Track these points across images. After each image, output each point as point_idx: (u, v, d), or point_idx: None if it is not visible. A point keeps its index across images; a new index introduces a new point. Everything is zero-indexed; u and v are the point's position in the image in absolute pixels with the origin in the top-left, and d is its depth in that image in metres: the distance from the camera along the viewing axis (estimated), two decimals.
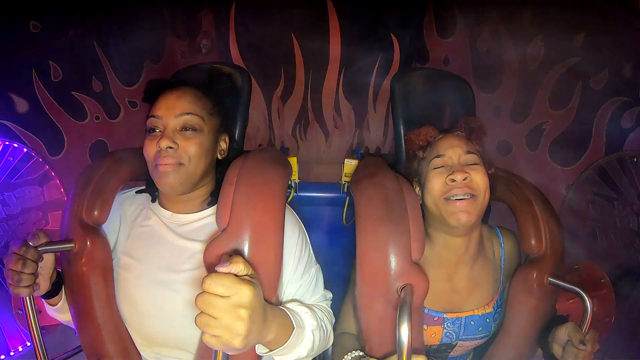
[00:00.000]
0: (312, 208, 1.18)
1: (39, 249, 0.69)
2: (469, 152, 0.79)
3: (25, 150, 1.57)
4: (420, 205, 0.81)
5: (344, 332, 0.84)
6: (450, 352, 0.86)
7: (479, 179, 0.76)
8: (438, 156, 0.79)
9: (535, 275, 0.78)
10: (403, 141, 0.97)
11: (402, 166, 0.95)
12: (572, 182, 1.71)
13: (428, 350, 0.84)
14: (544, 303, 0.79)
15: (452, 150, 0.79)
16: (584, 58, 1.62)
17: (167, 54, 1.76)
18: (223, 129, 0.83)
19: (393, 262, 0.71)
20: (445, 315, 0.82)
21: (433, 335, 0.82)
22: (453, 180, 0.75)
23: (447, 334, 0.83)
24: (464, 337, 0.83)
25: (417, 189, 0.84)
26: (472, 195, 0.75)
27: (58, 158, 1.68)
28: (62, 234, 0.78)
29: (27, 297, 0.71)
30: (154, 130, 0.76)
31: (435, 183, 0.77)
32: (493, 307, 0.84)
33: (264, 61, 1.79)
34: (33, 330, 0.73)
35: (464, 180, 0.75)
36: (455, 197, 0.75)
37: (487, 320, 0.84)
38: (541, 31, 1.66)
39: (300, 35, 1.75)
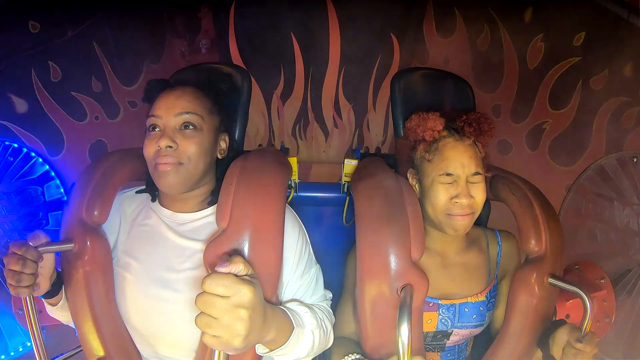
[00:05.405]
0: (312, 208, 1.18)
1: (39, 249, 0.69)
2: (477, 174, 0.79)
3: (25, 150, 1.57)
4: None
5: (340, 337, 0.84)
6: (446, 340, 0.86)
7: (480, 199, 0.79)
8: (447, 174, 0.78)
9: (535, 276, 0.78)
10: None
11: (402, 166, 0.95)
12: (572, 182, 1.71)
13: (425, 338, 0.85)
14: (543, 303, 0.79)
15: (462, 170, 0.78)
16: (584, 58, 1.62)
17: (166, 54, 1.76)
18: (223, 128, 0.83)
19: (393, 262, 0.71)
20: (440, 302, 0.84)
21: (429, 321, 0.83)
22: (457, 202, 0.77)
23: (443, 320, 0.84)
24: (459, 324, 0.84)
25: (415, 183, 0.85)
26: (472, 212, 0.79)
27: (58, 158, 1.68)
28: (62, 234, 0.78)
29: (27, 297, 0.71)
30: (153, 129, 0.76)
31: (441, 199, 0.79)
32: (486, 296, 0.86)
33: (264, 61, 1.79)
34: (33, 330, 0.73)
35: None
36: (457, 214, 0.78)
37: (481, 308, 0.85)
38: (541, 31, 1.66)
39: (300, 34, 1.75)
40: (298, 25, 1.74)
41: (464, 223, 0.78)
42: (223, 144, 0.83)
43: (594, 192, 1.65)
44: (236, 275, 0.51)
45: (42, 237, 0.71)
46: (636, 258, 1.47)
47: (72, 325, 0.81)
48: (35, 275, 0.69)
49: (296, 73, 1.80)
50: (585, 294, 0.72)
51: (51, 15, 1.56)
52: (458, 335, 0.86)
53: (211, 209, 0.81)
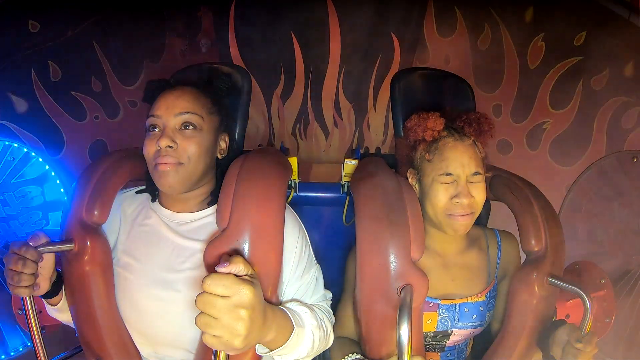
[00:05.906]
0: (312, 208, 1.18)
1: (39, 249, 0.69)
2: (476, 174, 0.79)
3: (25, 150, 1.57)
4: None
5: (340, 337, 0.84)
6: (446, 340, 0.86)
7: (480, 199, 0.79)
8: (447, 174, 0.78)
9: (535, 276, 0.78)
10: None
11: (402, 166, 0.95)
12: (572, 182, 1.71)
13: (425, 338, 0.85)
14: (543, 303, 0.79)
15: (462, 169, 0.78)
16: (584, 58, 1.62)
17: (166, 53, 1.76)
18: (223, 128, 0.83)
19: (393, 262, 0.71)
20: (439, 302, 0.84)
21: (429, 321, 0.83)
22: (457, 202, 0.77)
23: (443, 320, 0.84)
24: (459, 324, 0.85)
25: (415, 183, 0.85)
26: (472, 212, 0.79)
27: (58, 158, 1.68)
28: (62, 234, 0.78)
29: (27, 297, 0.71)
30: (153, 129, 0.76)
31: (441, 199, 0.79)
32: (486, 296, 0.86)
33: (264, 61, 1.79)
34: (33, 330, 0.73)
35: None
36: (457, 214, 0.78)
37: (481, 308, 0.85)
38: (542, 30, 1.66)
39: (300, 34, 1.75)
40: (298, 25, 1.74)
41: (464, 223, 0.78)
42: (223, 144, 0.83)
43: (594, 192, 1.65)
44: (236, 275, 0.51)
45: (42, 237, 0.71)
46: (636, 258, 1.47)
47: (72, 325, 0.81)
48: (35, 275, 0.70)
49: (296, 73, 1.80)
50: (585, 294, 0.72)
51: (51, 15, 1.56)
52: (458, 335, 0.86)
53: (211, 209, 0.81)
